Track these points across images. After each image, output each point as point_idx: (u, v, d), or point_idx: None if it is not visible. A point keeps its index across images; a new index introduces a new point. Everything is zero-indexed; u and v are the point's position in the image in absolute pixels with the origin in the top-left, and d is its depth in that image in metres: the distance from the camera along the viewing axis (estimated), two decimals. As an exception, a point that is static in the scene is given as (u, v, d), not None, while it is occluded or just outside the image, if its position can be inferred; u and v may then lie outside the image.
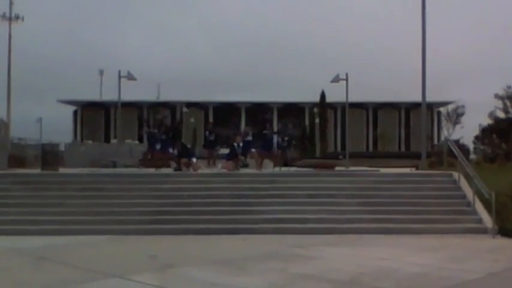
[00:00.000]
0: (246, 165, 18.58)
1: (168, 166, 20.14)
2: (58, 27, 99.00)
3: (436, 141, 60.65)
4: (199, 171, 17.37)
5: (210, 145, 19.95)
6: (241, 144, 18.50)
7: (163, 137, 19.15)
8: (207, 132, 20.11)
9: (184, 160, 18.11)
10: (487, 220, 12.11)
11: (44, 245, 10.44)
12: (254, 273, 7.83)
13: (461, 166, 14.43)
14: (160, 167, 18.87)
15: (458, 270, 7.97)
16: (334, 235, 11.50)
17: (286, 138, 21.54)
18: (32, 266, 8.61)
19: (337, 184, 14.93)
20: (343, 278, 7.46)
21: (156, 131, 19.45)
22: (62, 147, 27.51)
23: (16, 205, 13.32)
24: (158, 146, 19.04)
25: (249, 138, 18.97)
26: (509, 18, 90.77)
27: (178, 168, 17.94)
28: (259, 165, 18.69)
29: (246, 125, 56.81)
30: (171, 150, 18.91)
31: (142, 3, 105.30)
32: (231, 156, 18.02)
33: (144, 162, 19.26)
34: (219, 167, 17.56)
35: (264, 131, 19.46)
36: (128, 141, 35.00)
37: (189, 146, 19.90)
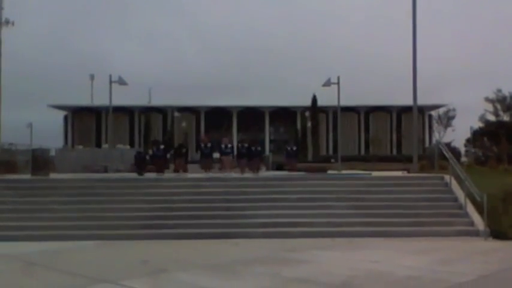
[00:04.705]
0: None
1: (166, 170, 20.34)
2: (49, 32, 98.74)
3: (427, 145, 60.93)
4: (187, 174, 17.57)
5: (206, 156, 19.95)
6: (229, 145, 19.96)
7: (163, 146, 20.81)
8: (202, 145, 20.13)
9: (180, 162, 18.71)
10: (479, 222, 12.16)
11: (35, 250, 10.36)
12: (246, 277, 7.81)
13: (452, 169, 14.48)
14: (162, 171, 19.06)
15: (451, 273, 7.99)
16: (326, 238, 11.51)
17: (294, 148, 23.57)
18: (23, 271, 8.55)
19: (329, 187, 14.93)
20: (336, 281, 7.45)
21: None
22: (52, 153, 27.35)
23: (6, 211, 13.21)
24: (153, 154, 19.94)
25: (228, 150, 19.83)
26: (501, 22, 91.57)
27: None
28: (242, 171, 19.08)
29: (238, 131, 57.09)
30: (168, 156, 20.17)
31: (133, 8, 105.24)
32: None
33: (143, 167, 19.43)
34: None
35: (251, 147, 20.36)
36: (119, 146, 34.82)
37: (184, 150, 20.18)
